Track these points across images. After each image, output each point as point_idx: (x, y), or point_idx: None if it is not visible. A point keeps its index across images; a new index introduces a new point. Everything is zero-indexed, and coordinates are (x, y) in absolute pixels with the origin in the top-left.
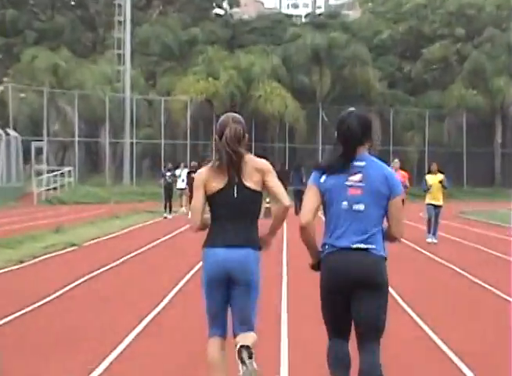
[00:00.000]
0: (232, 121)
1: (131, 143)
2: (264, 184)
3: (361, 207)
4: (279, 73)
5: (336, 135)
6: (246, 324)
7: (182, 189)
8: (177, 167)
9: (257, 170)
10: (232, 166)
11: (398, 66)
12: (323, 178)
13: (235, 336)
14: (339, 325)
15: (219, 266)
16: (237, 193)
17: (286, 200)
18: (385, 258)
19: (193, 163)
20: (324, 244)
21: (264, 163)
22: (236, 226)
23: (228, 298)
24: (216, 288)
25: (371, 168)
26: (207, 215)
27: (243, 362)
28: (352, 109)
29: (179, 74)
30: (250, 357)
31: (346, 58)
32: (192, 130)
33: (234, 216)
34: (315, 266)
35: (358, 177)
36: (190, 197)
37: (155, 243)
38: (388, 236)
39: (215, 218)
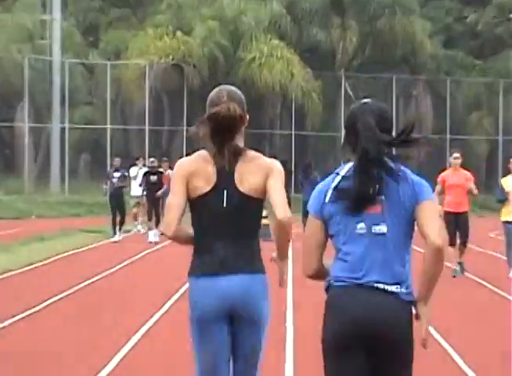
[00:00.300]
0: (226, 96)
1: (63, 129)
2: (265, 187)
3: (383, 228)
4: (281, 25)
5: (345, 134)
6: (250, 372)
7: (137, 196)
8: (132, 165)
9: (261, 168)
10: (223, 163)
11: (459, 16)
12: (330, 194)
13: None
14: None
15: (213, 300)
16: (227, 200)
17: (280, 211)
18: (413, 303)
19: (152, 159)
20: (332, 281)
21: (273, 162)
22: (229, 247)
23: (229, 342)
24: (210, 329)
25: (389, 178)
26: (190, 230)
27: None
28: (366, 100)
29: (133, 26)
30: None
31: (380, 3)
32: (154, 110)
33: (224, 232)
34: None
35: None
36: (149, 210)
37: (97, 278)
38: (425, 250)
39: (200, 234)
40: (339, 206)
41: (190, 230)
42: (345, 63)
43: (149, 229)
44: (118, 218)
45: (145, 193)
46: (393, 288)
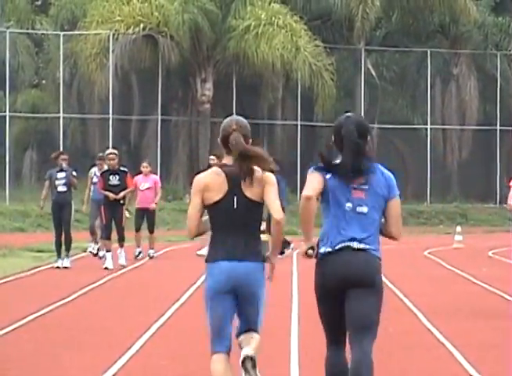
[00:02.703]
0: (235, 125)
1: (2, 119)
2: (263, 195)
3: (364, 209)
4: None
5: (333, 139)
6: (251, 326)
7: (97, 200)
8: (93, 165)
9: (259, 182)
10: (234, 177)
11: None
12: (328, 175)
13: (238, 336)
14: (337, 326)
15: (223, 279)
16: (237, 203)
17: (277, 213)
18: (380, 259)
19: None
20: (323, 243)
21: (268, 175)
22: (237, 239)
23: (233, 311)
24: (220, 302)
25: (372, 171)
26: (206, 218)
27: (246, 371)
28: (349, 114)
29: None
30: (253, 367)
31: None
32: (120, 94)
33: (234, 228)
34: (309, 251)
35: (361, 180)
36: (107, 224)
37: (43, 311)
38: (385, 235)
39: (215, 230)
40: (336, 182)
41: (205, 217)
42: (366, 34)
43: (107, 249)
44: (65, 236)
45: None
46: (367, 247)
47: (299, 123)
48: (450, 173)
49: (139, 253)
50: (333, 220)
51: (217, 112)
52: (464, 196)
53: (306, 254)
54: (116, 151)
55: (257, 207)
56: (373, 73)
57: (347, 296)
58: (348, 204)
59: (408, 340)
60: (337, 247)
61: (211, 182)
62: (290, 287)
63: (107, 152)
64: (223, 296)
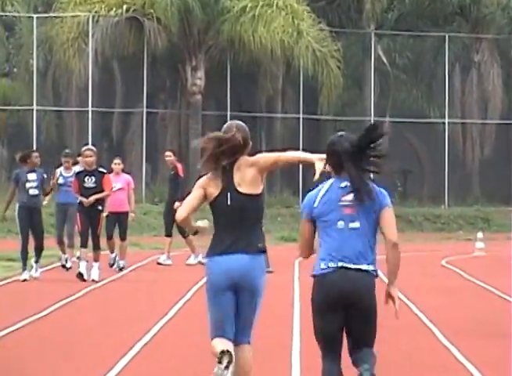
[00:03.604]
0: (235, 128)
1: None
2: (263, 171)
3: (357, 224)
4: None
5: (326, 157)
6: (246, 335)
7: (64, 204)
8: (75, 163)
9: (250, 166)
10: (225, 174)
11: None
12: (317, 201)
13: (235, 344)
14: (332, 339)
15: (222, 275)
16: (231, 200)
17: (278, 154)
18: (376, 275)
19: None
20: (320, 262)
21: (255, 157)
22: (234, 234)
23: (234, 306)
24: (220, 295)
25: (368, 188)
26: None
27: (220, 362)
28: (341, 133)
29: None
30: (227, 367)
31: None
32: (101, 83)
33: (231, 224)
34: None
35: (350, 196)
36: (83, 230)
37: (13, 328)
38: (386, 245)
39: (215, 226)
40: (325, 205)
41: (194, 223)
42: (376, 17)
43: (81, 259)
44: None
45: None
46: (363, 266)
47: (301, 116)
48: (471, 172)
49: (115, 259)
50: (327, 240)
51: (209, 104)
52: (486, 198)
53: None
54: (93, 148)
55: (252, 201)
56: (385, 60)
57: (345, 314)
58: (340, 223)
59: (423, 358)
60: (332, 268)
61: (212, 179)
62: (291, 299)
63: (83, 148)
64: (224, 293)
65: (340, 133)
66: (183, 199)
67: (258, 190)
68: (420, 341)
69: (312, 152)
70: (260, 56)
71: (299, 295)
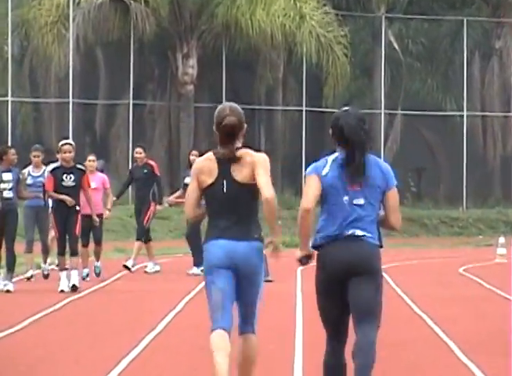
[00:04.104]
0: (229, 110)
1: None
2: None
3: (361, 201)
4: None
5: (331, 131)
6: (250, 324)
7: (33, 207)
8: (53, 161)
9: (248, 164)
10: (223, 161)
11: None
12: (325, 170)
13: (240, 333)
14: (338, 321)
15: (221, 254)
16: (227, 188)
17: (266, 191)
18: (380, 246)
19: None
20: (321, 235)
21: (258, 155)
22: (230, 221)
23: (233, 289)
24: (219, 274)
25: (368, 164)
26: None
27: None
28: (346, 108)
29: None
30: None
31: None
32: (83, 72)
33: (226, 212)
34: (304, 259)
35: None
36: (60, 235)
37: None
38: (385, 226)
39: (209, 214)
40: (334, 177)
41: (199, 210)
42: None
43: (60, 267)
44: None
45: (51, 205)
46: (367, 235)
47: (304, 108)
48: (491, 171)
49: (87, 275)
50: (331, 212)
51: (202, 95)
52: (509, 199)
53: (300, 262)
54: (72, 142)
55: (247, 190)
56: (396, 46)
57: (349, 284)
58: (345, 197)
59: (438, 375)
60: (335, 237)
61: (204, 166)
62: (293, 311)
63: (61, 142)
64: (222, 271)
65: (345, 107)
66: (161, 200)
67: (253, 181)
68: (435, 356)
69: (316, 147)
70: (258, 42)
71: (302, 307)
